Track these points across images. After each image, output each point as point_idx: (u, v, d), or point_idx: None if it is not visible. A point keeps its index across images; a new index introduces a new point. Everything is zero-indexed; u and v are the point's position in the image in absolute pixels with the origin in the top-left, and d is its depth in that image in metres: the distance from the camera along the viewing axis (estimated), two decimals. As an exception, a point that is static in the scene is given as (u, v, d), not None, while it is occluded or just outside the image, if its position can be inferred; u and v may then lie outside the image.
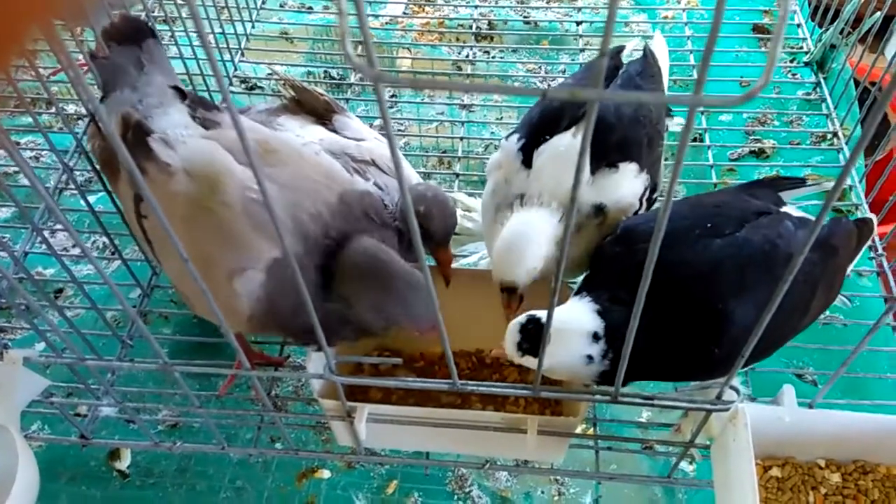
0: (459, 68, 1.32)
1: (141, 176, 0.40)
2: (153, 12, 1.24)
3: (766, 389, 0.83)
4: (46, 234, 1.06)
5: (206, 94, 1.08)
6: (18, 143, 1.19)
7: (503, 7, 1.43)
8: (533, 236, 0.70)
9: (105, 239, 1.00)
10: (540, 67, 1.31)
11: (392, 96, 1.28)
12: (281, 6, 1.43)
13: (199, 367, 0.64)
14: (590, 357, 0.63)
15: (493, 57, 1.35)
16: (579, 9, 1.40)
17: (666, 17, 1.39)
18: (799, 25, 1.32)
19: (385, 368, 0.84)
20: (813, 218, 0.74)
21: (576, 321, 0.63)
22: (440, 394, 0.78)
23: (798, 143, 1.17)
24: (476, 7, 1.42)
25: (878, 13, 1.08)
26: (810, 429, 0.62)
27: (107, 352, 0.90)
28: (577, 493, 0.89)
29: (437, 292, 0.46)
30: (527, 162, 0.75)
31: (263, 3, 1.40)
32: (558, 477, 0.89)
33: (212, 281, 0.64)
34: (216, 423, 0.78)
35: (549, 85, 1.28)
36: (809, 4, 1.31)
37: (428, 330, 0.68)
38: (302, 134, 0.78)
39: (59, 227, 1.06)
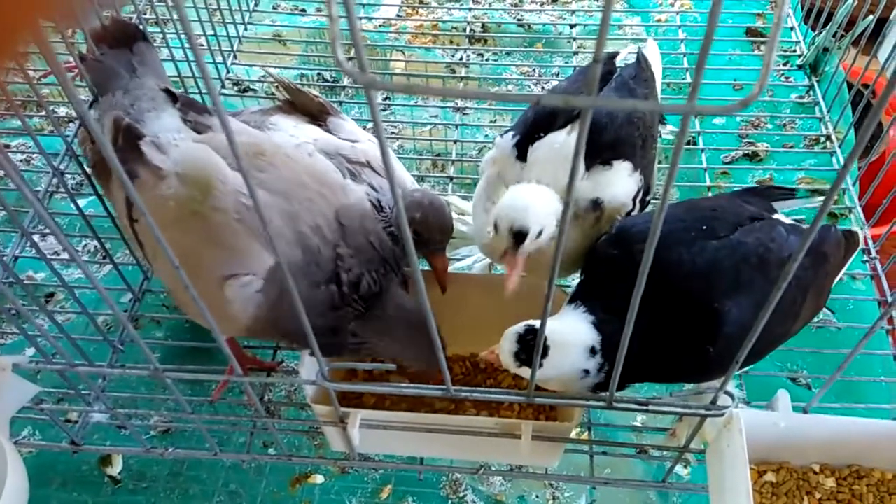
0: (453, 71, 1.32)
1: (130, 181, 0.40)
2: (144, 14, 1.24)
3: (760, 393, 0.83)
4: (37, 237, 1.05)
5: (198, 97, 1.07)
6: (8, 147, 1.18)
7: (497, 10, 1.43)
8: (539, 193, 0.69)
9: (96, 243, 0.99)
10: (534, 70, 1.31)
11: (385, 99, 1.28)
12: (274, 8, 1.43)
13: (192, 374, 0.64)
14: (586, 371, 0.62)
15: (487, 60, 1.34)
16: (573, 12, 1.40)
17: (659, 21, 1.39)
18: (792, 28, 1.33)
19: (378, 374, 0.83)
20: (803, 225, 0.74)
21: (572, 335, 0.63)
22: (434, 399, 0.78)
23: (791, 147, 1.17)
24: (470, 10, 1.42)
25: (871, 16, 1.08)
26: (805, 434, 0.62)
27: (98, 357, 0.89)
28: (571, 497, 0.89)
29: (430, 296, 0.46)
30: (522, 157, 0.75)
31: (256, 5, 1.40)
32: (552, 481, 0.89)
33: (203, 287, 0.63)
34: (208, 429, 0.78)
35: (542, 88, 1.28)
36: (802, 7, 1.31)
37: (434, 368, 0.69)
38: (296, 133, 0.78)
39: (49, 230, 1.05)
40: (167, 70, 0.86)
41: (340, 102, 1.23)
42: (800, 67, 1.26)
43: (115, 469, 0.90)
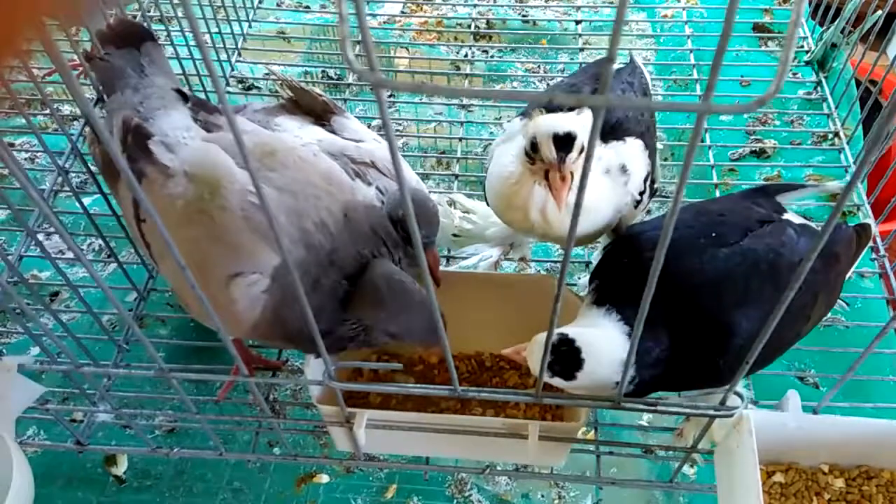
0: (458, 68, 1.31)
1: (136, 182, 0.39)
2: (149, 12, 1.24)
3: (769, 392, 0.83)
4: (42, 236, 1.05)
5: (202, 95, 1.07)
6: (13, 145, 1.18)
7: (502, 6, 1.42)
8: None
9: (101, 241, 0.99)
10: (539, 66, 1.30)
11: (390, 96, 1.27)
12: (278, 5, 1.42)
13: (197, 375, 0.63)
14: (617, 383, 0.62)
15: (492, 56, 1.34)
16: (578, 7, 1.38)
17: (665, 16, 1.38)
18: (800, 24, 1.32)
19: (384, 373, 0.83)
20: (814, 224, 0.74)
21: (608, 346, 0.61)
22: (440, 398, 0.77)
23: (799, 143, 1.17)
24: (474, 6, 1.41)
25: (880, 12, 1.07)
26: (814, 434, 0.61)
27: (103, 356, 0.89)
28: (577, 497, 0.89)
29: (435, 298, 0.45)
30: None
31: (260, 2, 1.39)
32: (558, 481, 0.88)
33: (210, 286, 0.63)
34: (213, 428, 0.77)
35: (548, 84, 1.27)
36: (810, 3, 1.30)
37: (434, 346, 0.67)
38: (300, 134, 0.77)
39: (54, 229, 1.05)
40: (172, 68, 0.86)
41: (345, 100, 1.22)
42: (807, 63, 1.25)
43: (120, 468, 0.90)
